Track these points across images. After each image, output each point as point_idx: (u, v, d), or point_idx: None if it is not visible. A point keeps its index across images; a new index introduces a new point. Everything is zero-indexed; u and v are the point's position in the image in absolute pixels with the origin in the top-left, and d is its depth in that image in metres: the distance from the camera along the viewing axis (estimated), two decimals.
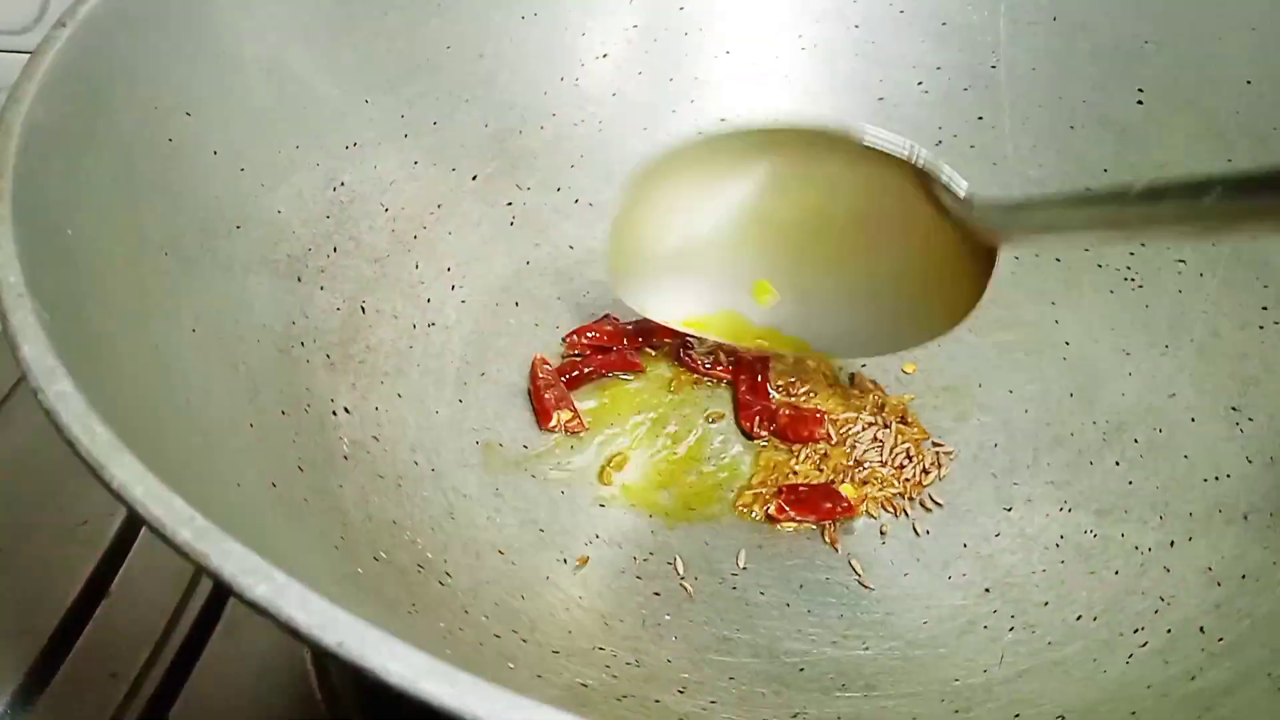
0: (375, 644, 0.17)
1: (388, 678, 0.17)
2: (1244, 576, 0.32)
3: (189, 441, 0.26)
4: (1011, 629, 0.33)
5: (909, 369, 0.42)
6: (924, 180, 0.34)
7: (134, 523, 0.41)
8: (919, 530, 0.37)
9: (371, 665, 0.17)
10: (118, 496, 0.19)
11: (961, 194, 0.33)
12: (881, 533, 0.37)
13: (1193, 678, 0.29)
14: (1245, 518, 0.34)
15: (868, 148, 0.34)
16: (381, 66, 0.41)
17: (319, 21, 0.39)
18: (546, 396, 0.39)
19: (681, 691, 0.30)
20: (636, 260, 0.39)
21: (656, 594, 0.34)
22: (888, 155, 0.34)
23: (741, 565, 0.36)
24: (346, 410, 0.35)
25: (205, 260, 0.33)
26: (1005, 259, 0.42)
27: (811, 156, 0.36)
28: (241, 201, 0.35)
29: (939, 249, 0.35)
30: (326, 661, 0.36)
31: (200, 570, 0.19)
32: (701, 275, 0.39)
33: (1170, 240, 0.40)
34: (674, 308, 0.40)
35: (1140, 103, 0.43)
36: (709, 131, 0.38)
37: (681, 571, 0.35)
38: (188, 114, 0.34)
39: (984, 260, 0.34)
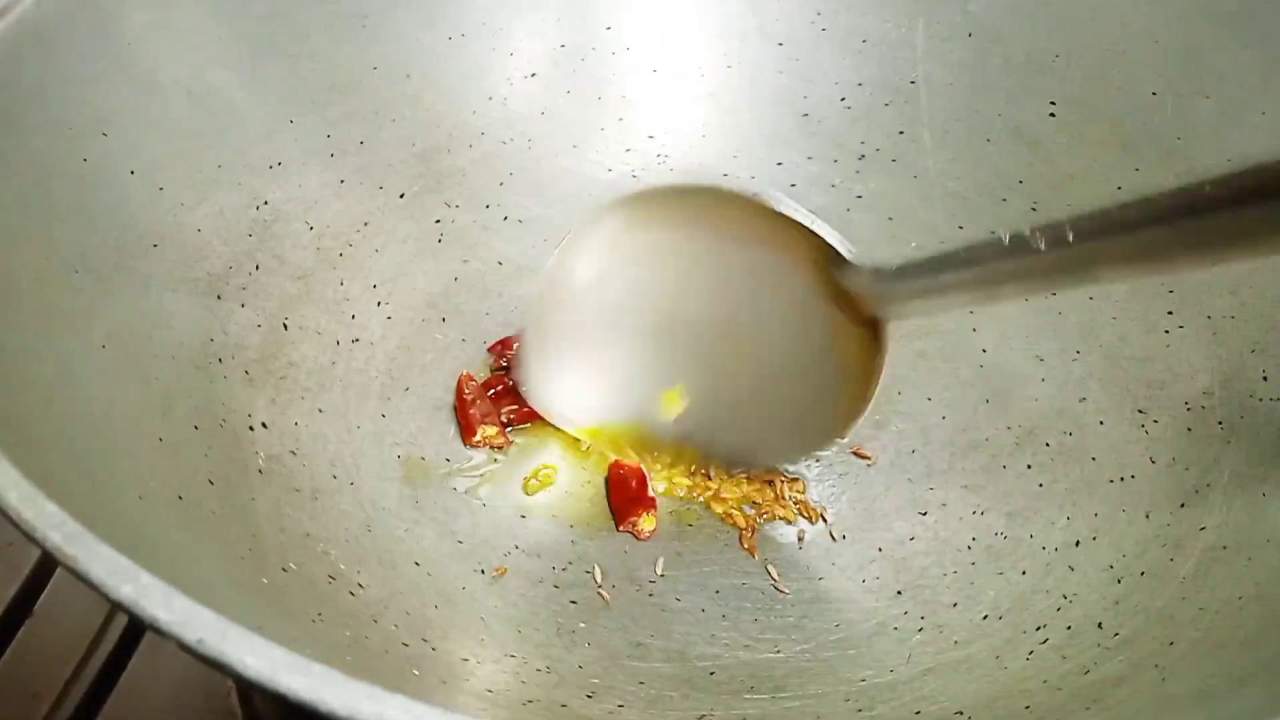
0: (234, 639, 0.17)
1: (245, 672, 0.17)
2: (1143, 573, 0.33)
3: (88, 454, 0.27)
4: (920, 630, 0.34)
5: None
6: (819, 252, 0.34)
7: None
8: (835, 535, 0.38)
9: (229, 660, 0.17)
10: None
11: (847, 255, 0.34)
12: (799, 538, 0.38)
13: (1087, 671, 0.29)
14: (1147, 516, 0.34)
15: (772, 211, 0.35)
16: (306, 87, 0.42)
17: (240, 42, 0.40)
18: (471, 412, 0.39)
19: (590, 696, 0.31)
20: (549, 364, 0.39)
21: (573, 602, 0.35)
22: (789, 222, 0.34)
23: (660, 573, 0.36)
24: (264, 425, 0.35)
25: (119, 278, 0.33)
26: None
27: (720, 228, 0.36)
28: (159, 220, 0.36)
29: (837, 343, 0.36)
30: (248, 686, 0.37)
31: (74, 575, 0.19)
32: (611, 379, 0.39)
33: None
34: (584, 413, 0.39)
35: (1052, 115, 0.44)
36: (623, 195, 0.37)
37: (599, 580, 0.36)
38: (104, 134, 0.34)
39: (874, 351, 0.34)
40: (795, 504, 0.38)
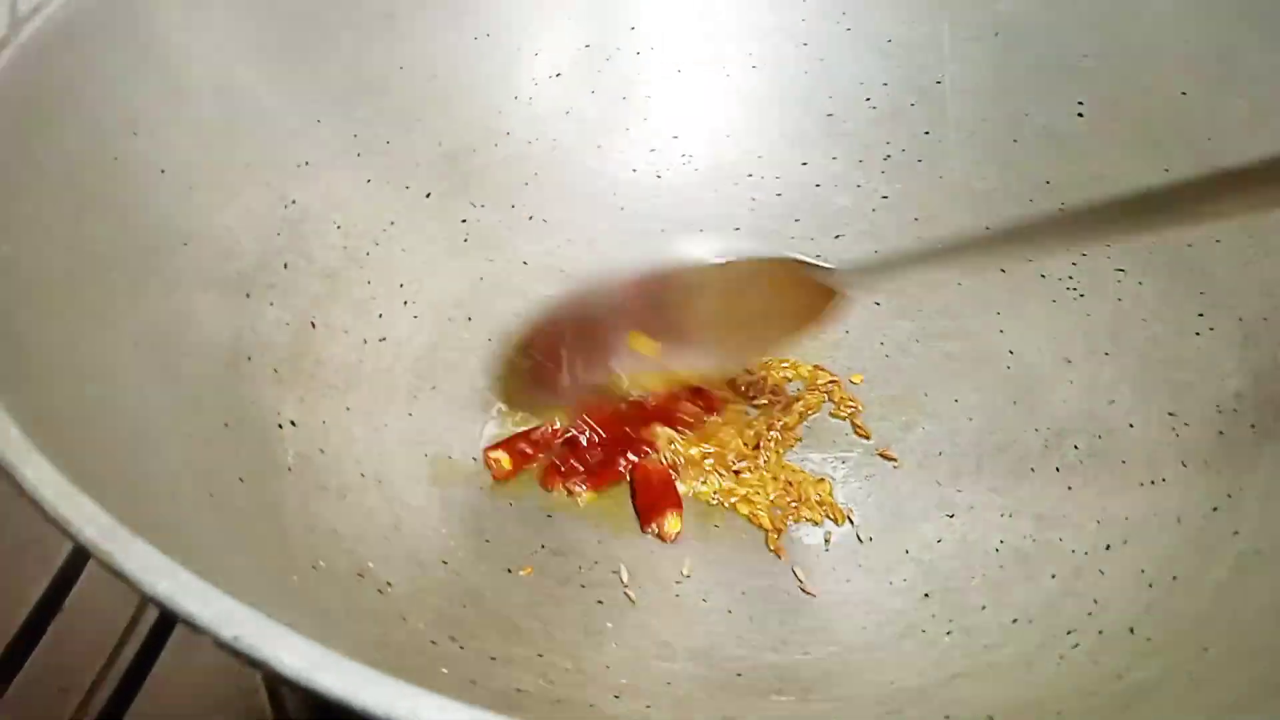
0: (271, 637, 0.17)
1: (281, 669, 0.17)
2: (1175, 579, 0.32)
3: (121, 451, 0.27)
4: (949, 633, 0.34)
5: (856, 379, 0.42)
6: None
7: None
8: (862, 538, 0.37)
9: (265, 657, 0.17)
10: (29, 498, 0.20)
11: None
12: (826, 540, 0.37)
13: (1119, 677, 0.29)
14: (1179, 521, 0.34)
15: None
16: (333, 87, 0.42)
17: (270, 42, 0.40)
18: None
19: (617, 697, 0.31)
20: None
21: (600, 602, 0.35)
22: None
23: (686, 573, 0.36)
24: (293, 423, 0.35)
25: (151, 276, 0.33)
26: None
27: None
28: (189, 218, 0.36)
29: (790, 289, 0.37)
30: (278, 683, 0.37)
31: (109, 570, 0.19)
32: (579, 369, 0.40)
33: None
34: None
35: (1080, 115, 0.44)
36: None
37: (626, 580, 0.36)
38: (134, 133, 0.34)
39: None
40: (821, 505, 0.38)
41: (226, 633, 0.18)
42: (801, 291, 0.36)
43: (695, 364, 0.40)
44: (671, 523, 0.37)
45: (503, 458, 0.38)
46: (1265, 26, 0.39)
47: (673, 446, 0.39)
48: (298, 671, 0.17)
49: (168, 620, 0.38)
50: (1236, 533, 0.32)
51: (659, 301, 0.39)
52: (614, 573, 0.36)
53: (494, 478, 0.38)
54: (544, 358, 0.39)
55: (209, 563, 0.24)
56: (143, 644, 0.38)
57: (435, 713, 0.17)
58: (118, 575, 0.19)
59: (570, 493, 0.38)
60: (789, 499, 0.38)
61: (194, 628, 0.18)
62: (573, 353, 0.40)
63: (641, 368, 0.40)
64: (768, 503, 0.38)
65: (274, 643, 0.17)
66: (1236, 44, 0.40)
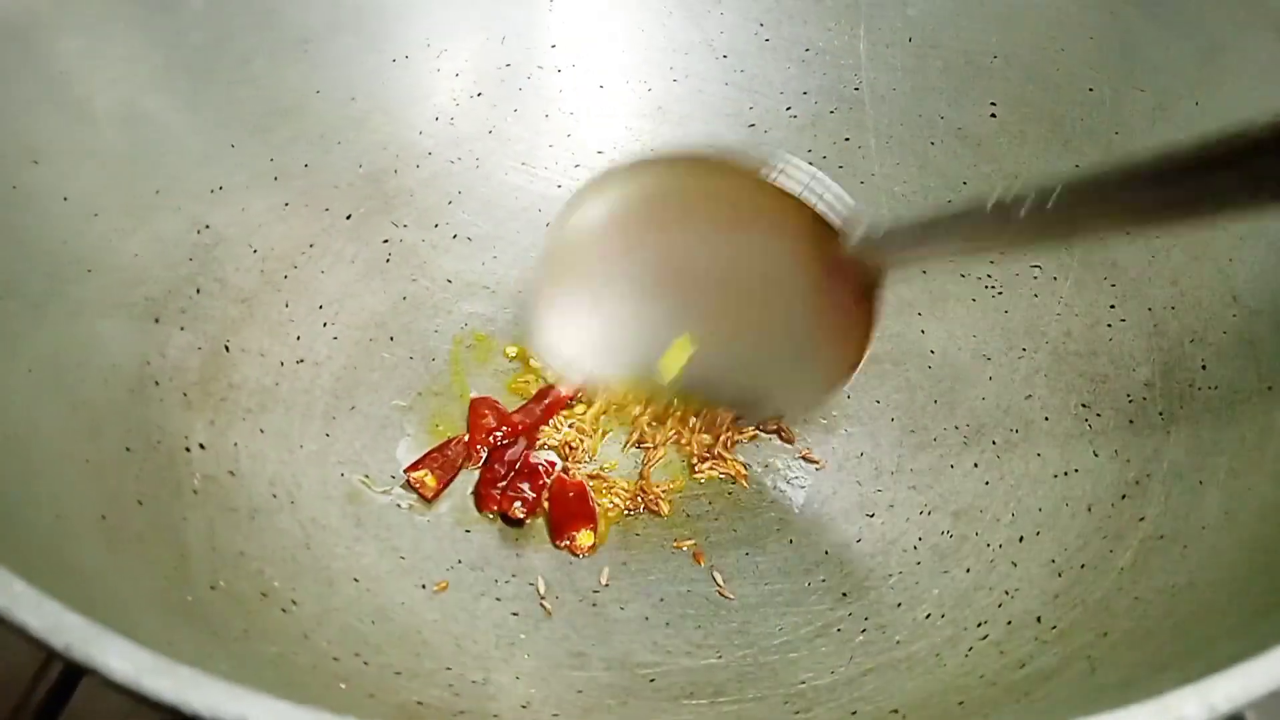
0: (101, 644, 0.17)
1: (111, 675, 0.17)
2: (1083, 566, 0.32)
3: (3, 476, 0.26)
4: (864, 631, 0.34)
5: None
6: (814, 221, 0.35)
7: None
8: (782, 540, 0.37)
9: (96, 664, 0.17)
10: None
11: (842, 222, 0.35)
12: (746, 545, 0.37)
13: (1022, 665, 0.29)
14: (1089, 509, 0.34)
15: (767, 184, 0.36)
16: (247, 112, 0.42)
17: (177, 69, 0.40)
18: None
19: (525, 706, 0.31)
20: (557, 319, 0.40)
21: (514, 614, 0.35)
22: (784, 195, 0.36)
23: (604, 582, 0.36)
24: (202, 446, 0.35)
25: (52, 304, 0.33)
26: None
27: (715, 191, 0.38)
28: (93, 246, 0.36)
29: (829, 300, 0.37)
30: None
31: None
32: (617, 332, 0.41)
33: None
34: (591, 365, 0.41)
35: (993, 115, 0.44)
36: (620, 164, 0.39)
37: (542, 591, 0.35)
38: (34, 162, 0.34)
39: (867, 311, 0.35)
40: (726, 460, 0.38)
41: (58, 641, 0.18)
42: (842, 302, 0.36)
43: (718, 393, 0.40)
44: (584, 537, 0.37)
45: (426, 476, 0.38)
46: (1165, 18, 0.40)
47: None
48: (126, 676, 0.17)
49: (73, 672, 0.37)
50: (1142, 519, 0.32)
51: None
52: (531, 585, 0.36)
53: (422, 497, 0.38)
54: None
55: (88, 585, 0.24)
56: (58, 677, 0.37)
57: (263, 713, 0.17)
58: None
59: (510, 518, 0.38)
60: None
61: (28, 638, 0.18)
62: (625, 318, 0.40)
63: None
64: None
65: (103, 649, 0.17)
66: (1137, 37, 0.41)
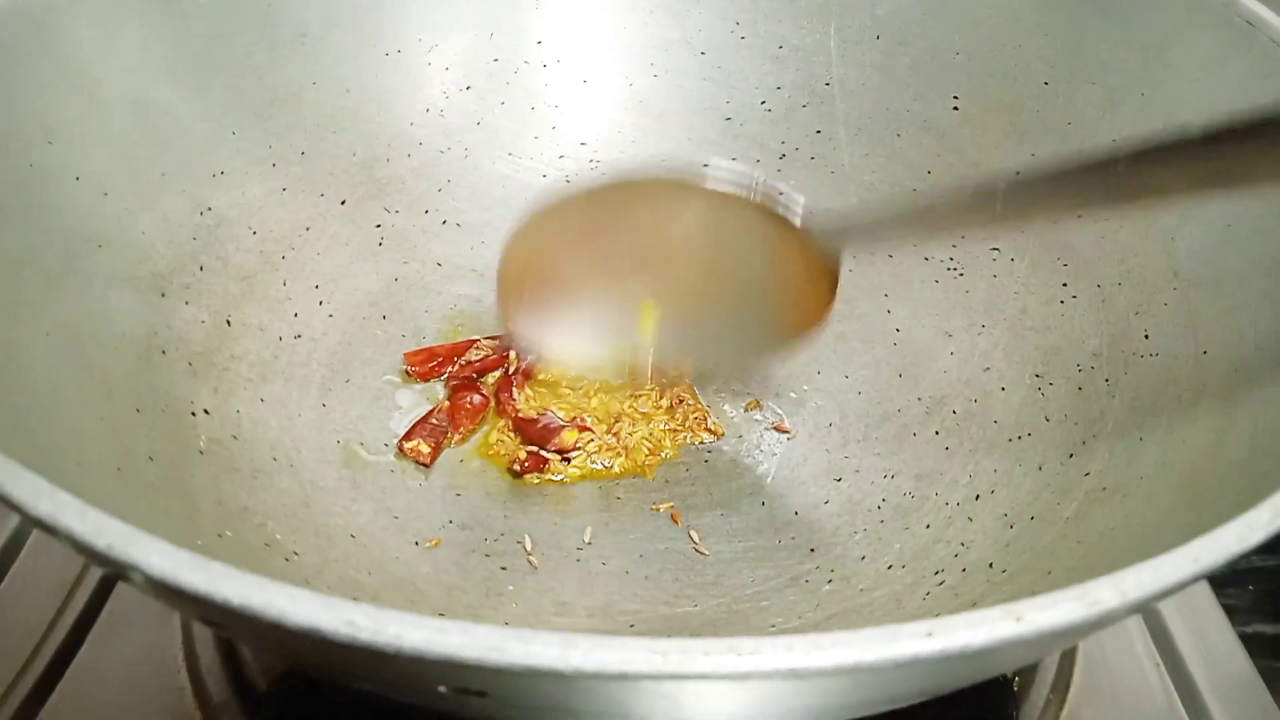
0: (141, 544, 0.19)
1: (150, 571, 0.19)
2: (1033, 518, 0.35)
3: (29, 424, 0.28)
4: (830, 581, 0.36)
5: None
6: (768, 208, 0.38)
7: (16, 539, 0.42)
8: (756, 502, 0.39)
9: (137, 561, 0.19)
10: None
11: (797, 218, 0.37)
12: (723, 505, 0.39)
13: (974, 604, 0.31)
14: (1040, 468, 0.37)
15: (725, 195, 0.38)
16: (248, 101, 0.44)
17: (184, 60, 0.42)
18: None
19: None
20: (531, 306, 0.42)
21: (503, 568, 0.37)
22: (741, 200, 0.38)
23: (587, 540, 0.38)
24: (206, 412, 0.37)
25: (66, 276, 0.35)
26: (844, 260, 0.46)
27: (669, 199, 0.39)
28: (104, 224, 0.38)
29: (790, 268, 0.38)
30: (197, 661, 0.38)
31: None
32: (589, 316, 0.42)
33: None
34: (568, 347, 0.42)
35: (956, 108, 0.47)
36: (572, 186, 0.40)
37: (529, 548, 0.38)
38: (49, 142, 0.36)
39: (830, 275, 0.37)
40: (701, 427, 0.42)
41: (100, 543, 0.20)
42: (805, 269, 0.38)
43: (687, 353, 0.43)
44: (568, 435, 0.39)
45: (420, 445, 0.40)
46: (1112, 17, 0.42)
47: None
48: (164, 571, 0.19)
49: (91, 611, 0.39)
50: (1087, 474, 0.35)
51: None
52: (518, 543, 0.38)
53: (421, 465, 0.40)
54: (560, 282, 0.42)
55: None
56: (65, 636, 0.39)
57: (290, 601, 0.19)
58: (5, 501, 0.21)
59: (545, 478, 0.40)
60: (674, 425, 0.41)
61: (73, 543, 0.20)
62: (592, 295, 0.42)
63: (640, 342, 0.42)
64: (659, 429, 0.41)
65: (144, 548, 0.19)
66: (1089, 35, 0.43)
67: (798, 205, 0.37)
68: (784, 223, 0.37)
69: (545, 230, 0.40)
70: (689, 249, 0.40)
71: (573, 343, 0.42)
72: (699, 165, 0.39)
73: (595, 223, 0.40)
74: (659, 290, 0.41)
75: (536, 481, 0.40)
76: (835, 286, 0.37)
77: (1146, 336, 0.38)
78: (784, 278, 0.39)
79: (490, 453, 0.41)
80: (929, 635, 0.19)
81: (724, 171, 0.38)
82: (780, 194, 0.37)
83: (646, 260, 0.41)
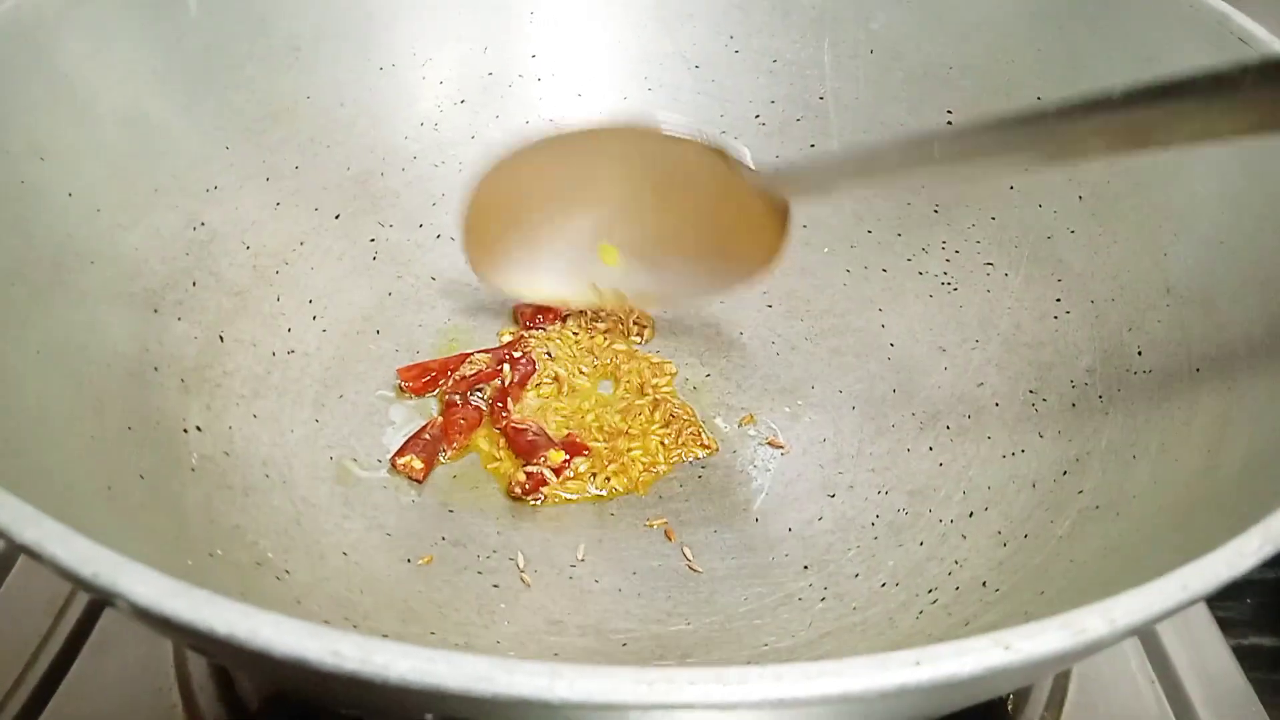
0: (126, 571, 0.19)
1: (135, 599, 0.19)
2: (1026, 536, 0.35)
3: (17, 444, 0.28)
4: (823, 599, 0.36)
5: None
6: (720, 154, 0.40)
7: (8, 557, 0.42)
8: (749, 519, 0.39)
9: (121, 589, 0.19)
10: None
11: (749, 163, 0.40)
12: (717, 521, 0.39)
13: (967, 623, 0.31)
14: (1034, 486, 0.37)
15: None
16: (241, 115, 0.44)
17: (176, 74, 0.42)
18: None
19: None
20: (492, 246, 0.45)
21: (495, 586, 0.37)
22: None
23: (580, 558, 0.38)
24: (198, 428, 0.37)
25: (57, 292, 0.35)
26: (838, 274, 0.46)
27: (630, 144, 0.42)
28: (96, 239, 0.38)
29: (743, 210, 0.41)
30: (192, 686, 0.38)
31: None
32: (551, 254, 0.45)
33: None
34: (531, 286, 0.45)
35: (949, 122, 0.47)
36: (536, 136, 0.43)
37: (522, 565, 0.37)
38: (41, 158, 0.36)
39: (782, 216, 0.40)
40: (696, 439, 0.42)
41: (85, 570, 0.20)
42: (759, 210, 0.40)
43: (650, 287, 0.45)
44: (554, 455, 0.40)
45: (412, 460, 0.40)
46: (1103, 32, 0.42)
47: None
48: (149, 600, 0.19)
49: (83, 627, 0.39)
50: (1081, 491, 0.35)
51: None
52: (511, 559, 0.38)
53: (414, 480, 0.40)
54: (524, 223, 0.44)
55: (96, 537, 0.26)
56: (57, 654, 0.39)
57: (274, 628, 0.19)
58: None
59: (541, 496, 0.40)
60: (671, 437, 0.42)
61: (58, 570, 0.20)
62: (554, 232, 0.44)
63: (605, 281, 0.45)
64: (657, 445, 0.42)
65: (128, 576, 0.19)
66: (1080, 49, 0.43)
67: (746, 155, 0.40)
68: (736, 166, 0.40)
69: (508, 176, 0.43)
70: (646, 190, 0.43)
71: (535, 280, 0.45)
72: (654, 116, 0.43)
73: (556, 168, 0.43)
74: (617, 228, 0.44)
75: (534, 503, 0.40)
76: (786, 229, 0.40)
77: (1140, 353, 0.38)
78: (737, 218, 0.41)
79: (490, 467, 0.41)
80: (917, 664, 0.18)
81: (678, 121, 0.41)
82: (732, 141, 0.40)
83: (605, 201, 0.43)
